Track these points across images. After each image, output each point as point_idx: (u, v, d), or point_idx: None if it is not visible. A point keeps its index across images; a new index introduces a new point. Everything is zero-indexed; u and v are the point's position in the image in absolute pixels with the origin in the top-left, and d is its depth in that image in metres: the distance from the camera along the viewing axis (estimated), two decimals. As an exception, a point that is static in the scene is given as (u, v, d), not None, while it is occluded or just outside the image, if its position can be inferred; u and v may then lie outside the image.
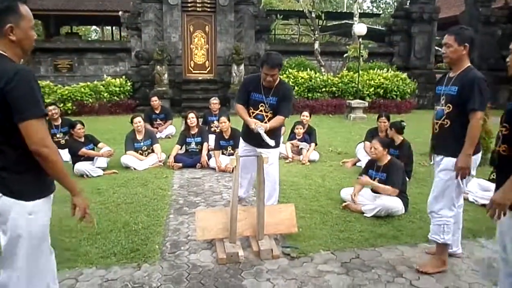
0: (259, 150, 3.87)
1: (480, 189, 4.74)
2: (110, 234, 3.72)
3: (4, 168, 1.88)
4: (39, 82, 1.99)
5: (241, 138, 4.35)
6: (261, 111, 4.03)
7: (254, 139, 3.92)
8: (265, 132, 3.73)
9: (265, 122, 3.96)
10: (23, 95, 1.79)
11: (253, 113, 4.05)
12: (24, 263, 1.95)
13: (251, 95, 4.03)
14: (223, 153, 6.34)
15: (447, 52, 2.95)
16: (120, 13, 14.14)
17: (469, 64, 2.96)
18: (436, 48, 15.78)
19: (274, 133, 4.00)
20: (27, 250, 1.94)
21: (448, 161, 2.96)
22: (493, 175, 4.83)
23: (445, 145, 3.01)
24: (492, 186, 4.62)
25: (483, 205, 4.52)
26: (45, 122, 1.92)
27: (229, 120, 6.31)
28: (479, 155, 3.07)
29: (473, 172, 3.06)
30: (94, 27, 34.22)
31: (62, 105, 11.56)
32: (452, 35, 2.92)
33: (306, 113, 7.12)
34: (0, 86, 1.76)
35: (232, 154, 5.86)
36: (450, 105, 2.94)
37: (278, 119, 3.97)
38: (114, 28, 26.58)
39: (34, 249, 1.97)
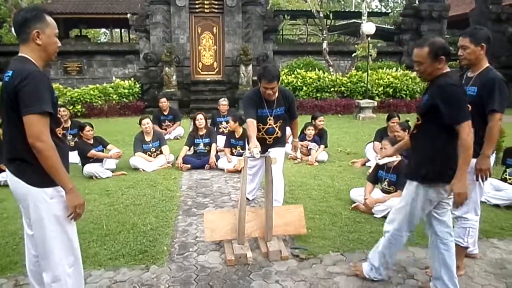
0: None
1: (493, 189, 4.65)
2: (119, 236, 3.73)
3: (18, 158, 2.08)
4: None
5: (247, 143, 4.33)
6: (270, 124, 4.08)
7: (261, 145, 3.88)
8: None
9: (277, 133, 4.10)
10: (29, 92, 1.97)
11: (263, 128, 4.07)
12: (53, 244, 2.14)
13: (257, 111, 4.00)
14: (232, 153, 6.34)
15: (464, 54, 2.92)
16: (128, 15, 14.24)
17: (487, 64, 2.92)
18: (446, 46, 15.58)
19: (283, 135, 4.13)
20: (53, 232, 2.12)
21: None
22: (505, 175, 4.76)
23: None
24: (504, 185, 4.60)
25: (496, 205, 4.46)
26: (48, 120, 2.03)
27: (236, 121, 6.30)
28: (494, 155, 3.02)
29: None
30: (103, 29, 34.49)
31: (71, 107, 11.68)
32: (467, 37, 2.89)
33: (322, 118, 7.22)
34: (15, 84, 1.98)
35: (241, 155, 5.85)
36: (469, 106, 2.90)
37: (296, 124, 4.35)
38: (122, 30, 26.76)
39: (60, 230, 2.15)
